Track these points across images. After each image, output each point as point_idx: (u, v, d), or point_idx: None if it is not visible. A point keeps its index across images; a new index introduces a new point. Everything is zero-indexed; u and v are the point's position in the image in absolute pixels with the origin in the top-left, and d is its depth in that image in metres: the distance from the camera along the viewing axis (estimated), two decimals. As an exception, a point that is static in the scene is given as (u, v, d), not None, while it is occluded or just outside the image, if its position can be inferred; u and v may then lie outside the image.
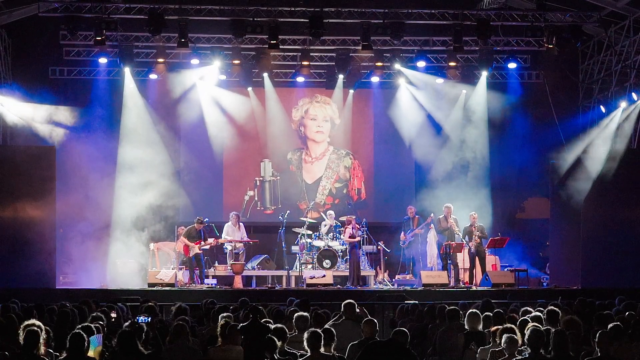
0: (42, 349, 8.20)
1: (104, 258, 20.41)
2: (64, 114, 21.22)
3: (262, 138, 23.40)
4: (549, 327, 9.22)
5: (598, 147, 20.56)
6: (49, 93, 21.12)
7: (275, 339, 8.43)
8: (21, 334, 8.17)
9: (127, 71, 21.75)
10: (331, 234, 20.82)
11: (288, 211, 21.70)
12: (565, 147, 21.34)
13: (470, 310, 10.24)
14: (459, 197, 21.43)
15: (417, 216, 21.15)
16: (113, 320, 10.96)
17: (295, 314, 10.18)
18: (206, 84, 22.62)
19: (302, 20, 20.01)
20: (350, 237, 19.85)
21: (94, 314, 10.60)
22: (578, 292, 17.16)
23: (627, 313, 10.74)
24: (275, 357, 8.38)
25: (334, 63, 21.89)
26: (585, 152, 20.53)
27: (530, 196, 23.59)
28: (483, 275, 19.45)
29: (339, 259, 20.35)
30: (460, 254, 19.71)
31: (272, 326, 9.33)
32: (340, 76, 22.33)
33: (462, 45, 20.42)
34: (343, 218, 21.16)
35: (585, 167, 20.05)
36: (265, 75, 22.21)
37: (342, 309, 11.07)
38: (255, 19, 19.62)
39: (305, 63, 21.55)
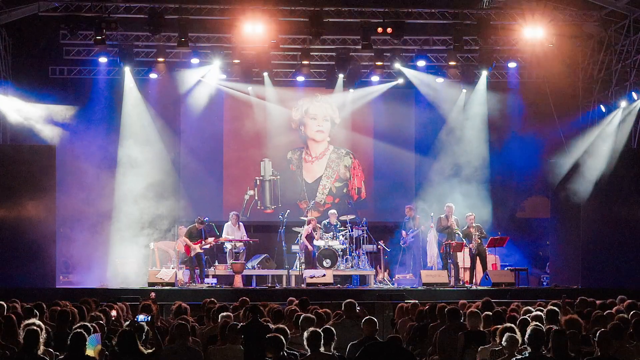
0: (42, 349, 8.19)
1: (104, 257, 20.42)
2: (64, 113, 21.21)
3: (262, 137, 23.38)
4: (550, 326, 9.20)
5: (598, 146, 20.54)
6: (49, 92, 21.09)
7: (282, 337, 8.34)
8: (21, 333, 8.16)
9: (127, 70, 21.73)
10: (331, 233, 20.78)
11: (288, 210, 21.68)
12: (566, 147, 21.34)
13: (471, 310, 10.23)
14: (459, 196, 21.39)
15: (417, 216, 21.15)
16: (113, 319, 10.95)
17: (301, 316, 10.11)
18: (206, 84, 22.62)
19: (302, 19, 20.02)
20: (308, 237, 19.72)
21: (94, 314, 10.60)
22: (578, 291, 17.15)
23: (628, 313, 10.74)
24: (280, 354, 8.32)
25: (334, 62, 21.88)
26: (585, 151, 20.52)
27: (530, 196, 23.58)
28: (483, 275, 19.45)
29: (339, 258, 20.33)
30: (460, 253, 19.70)
31: (273, 326, 9.30)
32: (340, 75, 22.31)
33: (462, 45, 20.43)
34: (344, 217, 21.18)
35: (586, 166, 20.05)
36: (265, 74, 22.19)
37: (342, 309, 11.07)
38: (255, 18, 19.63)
39: (305, 62, 21.56)
